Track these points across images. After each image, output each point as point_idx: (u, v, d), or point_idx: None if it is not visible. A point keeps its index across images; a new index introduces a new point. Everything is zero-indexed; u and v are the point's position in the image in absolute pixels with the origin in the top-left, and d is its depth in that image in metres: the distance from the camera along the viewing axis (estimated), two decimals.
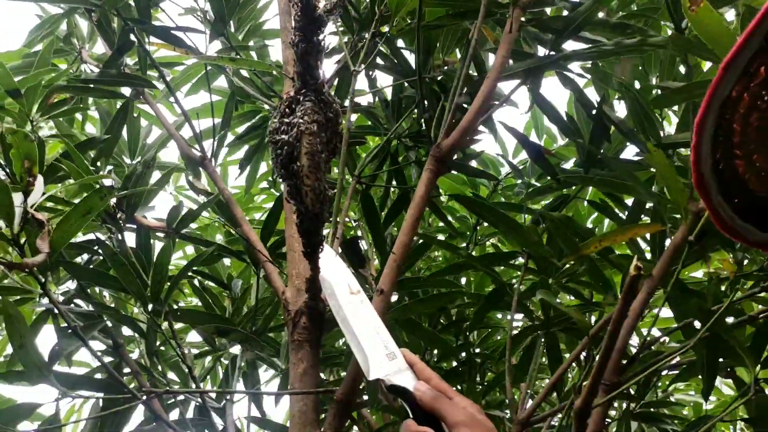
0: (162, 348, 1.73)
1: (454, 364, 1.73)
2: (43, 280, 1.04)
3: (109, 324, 1.51)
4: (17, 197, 0.99)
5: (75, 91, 1.56)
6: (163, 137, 1.83)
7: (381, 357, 0.95)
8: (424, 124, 1.64)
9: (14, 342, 1.03)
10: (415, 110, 1.73)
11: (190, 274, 1.76)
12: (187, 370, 1.63)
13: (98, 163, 1.69)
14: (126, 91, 1.75)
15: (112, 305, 1.65)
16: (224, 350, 1.78)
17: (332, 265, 1.31)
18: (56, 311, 1.59)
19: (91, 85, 1.55)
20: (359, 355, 0.98)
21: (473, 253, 1.76)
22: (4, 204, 0.93)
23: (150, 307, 1.28)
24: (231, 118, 1.82)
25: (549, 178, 1.58)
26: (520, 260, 1.58)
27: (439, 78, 1.68)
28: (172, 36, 1.57)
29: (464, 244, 1.80)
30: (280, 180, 1.11)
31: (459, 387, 1.68)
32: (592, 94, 1.61)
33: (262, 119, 2.01)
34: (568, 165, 1.88)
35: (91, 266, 1.47)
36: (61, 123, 1.75)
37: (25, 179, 0.97)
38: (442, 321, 1.69)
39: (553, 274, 1.41)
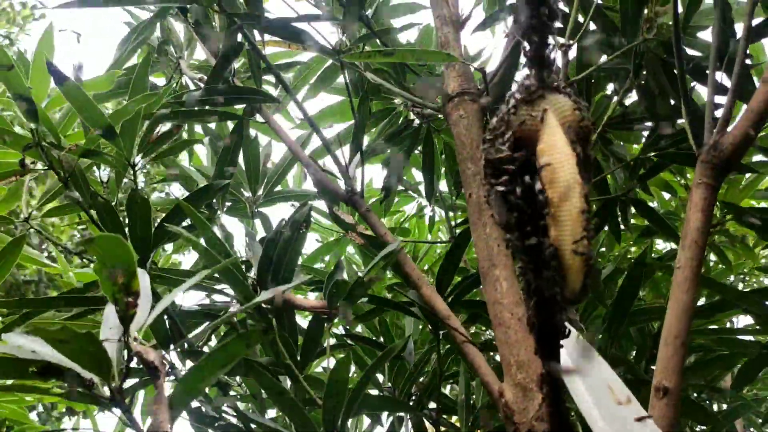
0: None
1: None
2: None
3: None
4: (107, 323, 0.63)
5: (181, 118, 1.19)
6: (287, 159, 1.45)
7: None
8: (648, 112, 1.16)
9: None
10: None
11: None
12: None
13: (213, 203, 1.33)
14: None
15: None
16: None
17: (574, 351, 0.88)
18: None
19: (199, 108, 1.17)
20: None
21: None
22: (88, 349, 0.56)
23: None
24: (365, 123, 1.41)
25: None
26: None
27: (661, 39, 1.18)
28: (292, 30, 1.16)
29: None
30: (500, 226, 0.65)
31: None
32: None
33: (404, 122, 1.58)
34: None
35: None
36: (175, 162, 1.40)
37: (121, 298, 0.58)
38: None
39: None
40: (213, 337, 1.35)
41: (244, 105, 1.34)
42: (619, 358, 1.23)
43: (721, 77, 1.06)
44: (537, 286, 0.65)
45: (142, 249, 1.05)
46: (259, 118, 1.42)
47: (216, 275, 0.99)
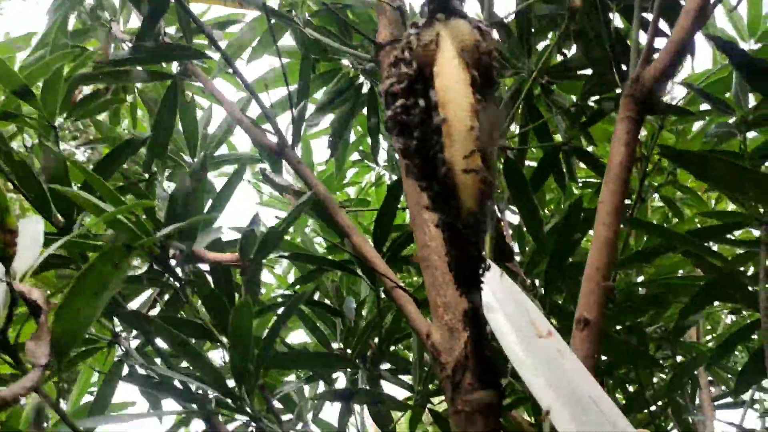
0: None
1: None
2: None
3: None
4: None
5: (105, 79, 1.16)
6: (226, 122, 1.42)
7: None
8: (586, 51, 1.14)
9: None
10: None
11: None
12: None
13: (153, 169, 1.30)
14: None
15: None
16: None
17: (496, 286, 0.88)
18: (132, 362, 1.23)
19: (123, 68, 1.14)
20: None
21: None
22: None
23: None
24: (309, 85, 1.38)
25: None
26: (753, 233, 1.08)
27: None
28: None
29: None
30: (399, 154, 0.63)
31: None
32: None
33: (347, 81, 1.56)
34: None
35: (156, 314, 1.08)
36: (101, 124, 1.36)
37: None
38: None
39: None
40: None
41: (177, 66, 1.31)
42: (556, 307, 1.23)
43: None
44: (443, 217, 0.64)
45: (66, 211, 1.02)
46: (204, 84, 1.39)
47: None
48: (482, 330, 0.78)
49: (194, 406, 1.14)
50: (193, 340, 1.12)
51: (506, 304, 0.85)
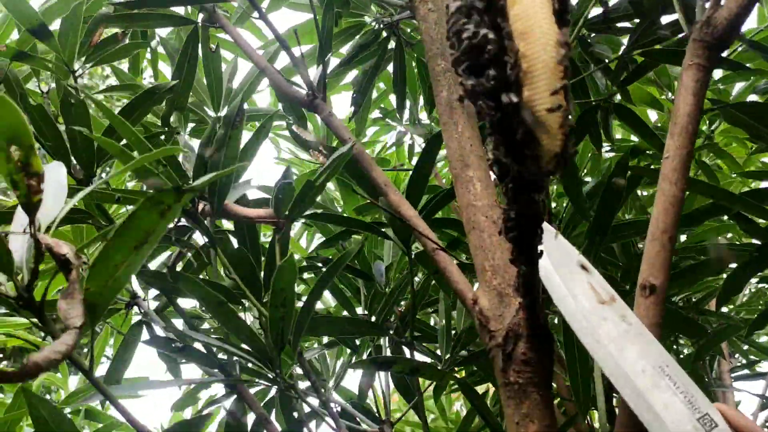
0: None
1: None
2: None
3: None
4: (18, 218, 0.54)
5: (124, 22, 1.08)
6: (253, 75, 1.34)
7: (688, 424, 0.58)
8: None
9: None
10: None
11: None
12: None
13: (171, 122, 1.23)
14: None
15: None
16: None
17: (554, 251, 0.83)
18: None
19: (140, 10, 1.06)
20: (647, 417, 0.60)
21: None
22: None
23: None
24: (332, 38, 1.30)
25: None
26: None
27: None
28: None
29: None
30: (468, 96, 0.55)
31: None
32: None
33: (372, 35, 1.48)
34: None
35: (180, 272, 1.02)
36: (122, 72, 1.28)
37: (22, 184, 0.50)
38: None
39: None
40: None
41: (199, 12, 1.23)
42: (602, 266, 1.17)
43: None
44: (512, 168, 0.57)
45: (86, 161, 0.96)
46: (227, 38, 1.31)
47: None
48: (537, 295, 0.72)
49: (217, 371, 1.10)
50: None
51: (563, 266, 0.79)
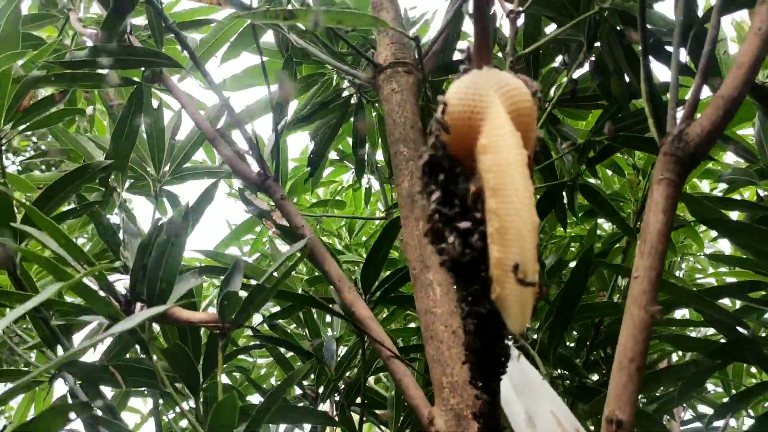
0: None
1: None
2: None
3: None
4: None
5: (59, 83, 0.99)
6: (196, 132, 1.27)
7: None
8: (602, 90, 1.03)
9: None
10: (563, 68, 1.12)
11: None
12: None
13: (110, 183, 1.14)
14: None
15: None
16: None
17: (513, 371, 0.78)
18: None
19: (81, 70, 0.98)
20: None
21: None
22: None
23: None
24: (288, 104, 1.23)
25: None
26: None
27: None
28: None
29: None
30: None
31: None
32: None
33: (333, 92, 1.42)
34: None
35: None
36: (61, 131, 1.19)
37: None
38: None
39: None
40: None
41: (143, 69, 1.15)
42: (564, 359, 1.13)
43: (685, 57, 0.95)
44: (476, 312, 0.51)
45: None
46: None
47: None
48: (498, 423, 0.66)
49: None
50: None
51: (525, 394, 0.74)
